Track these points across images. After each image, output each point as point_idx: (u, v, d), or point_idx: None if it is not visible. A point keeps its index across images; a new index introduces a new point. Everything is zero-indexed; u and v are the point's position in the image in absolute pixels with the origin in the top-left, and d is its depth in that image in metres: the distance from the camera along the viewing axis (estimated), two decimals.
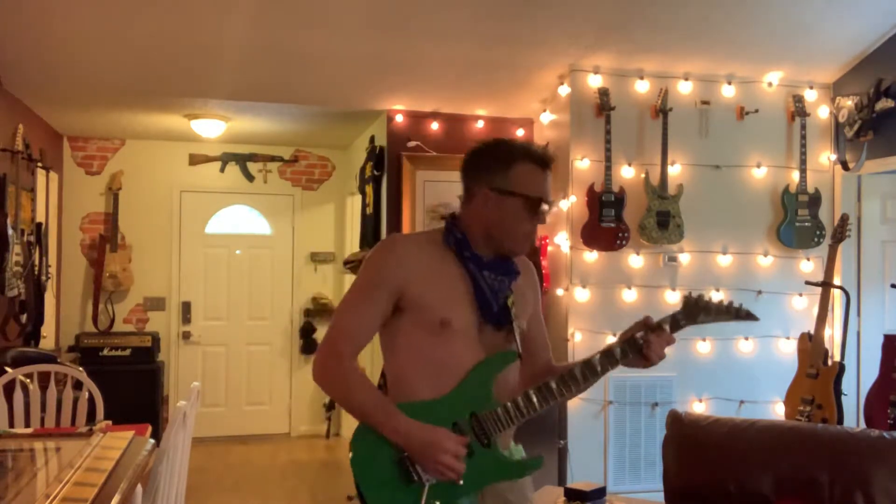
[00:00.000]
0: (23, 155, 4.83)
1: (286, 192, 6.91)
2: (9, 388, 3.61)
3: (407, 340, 1.83)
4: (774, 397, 4.55)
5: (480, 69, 4.53)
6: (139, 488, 2.44)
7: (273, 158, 6.85)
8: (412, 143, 5.01)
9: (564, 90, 4.59)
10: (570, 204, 4.46)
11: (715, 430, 2.68)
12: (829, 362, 3.99)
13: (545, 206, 1.84)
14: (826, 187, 4.73)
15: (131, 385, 5.78)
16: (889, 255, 4.71)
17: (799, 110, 4.65)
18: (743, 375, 4.59)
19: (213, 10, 3.88)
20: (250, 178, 6.80)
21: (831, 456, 2.43)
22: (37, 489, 2.27)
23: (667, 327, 1.84)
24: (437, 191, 5.04)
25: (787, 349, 4.57)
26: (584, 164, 4.45)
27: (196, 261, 6.73)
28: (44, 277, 5.19)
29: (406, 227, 5.00)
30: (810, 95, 4.75)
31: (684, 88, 4.60)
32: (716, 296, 4.54)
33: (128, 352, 6.03)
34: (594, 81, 4.49)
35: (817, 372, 3.96)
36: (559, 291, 4.57)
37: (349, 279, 6.16)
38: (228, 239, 6.87)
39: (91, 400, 3.66)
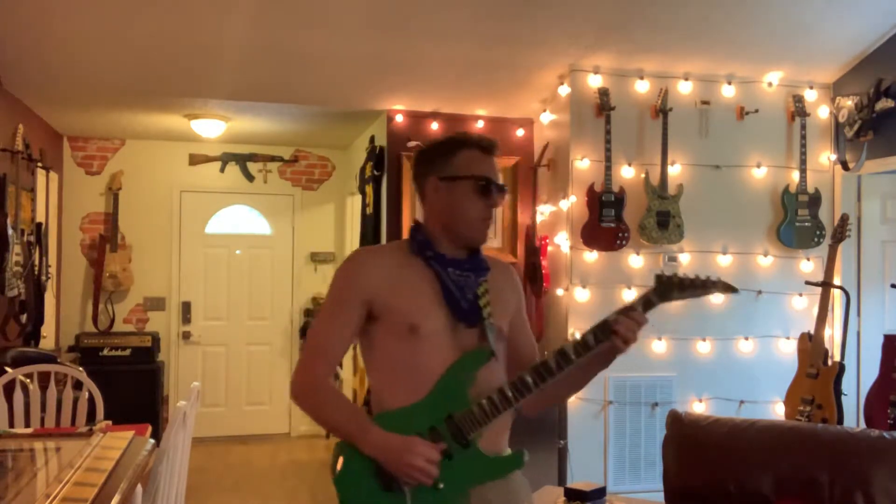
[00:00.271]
0: (23, 155, 4.83)
1: (286, 192, 6.91)
2: (9, 388, 3.61)
3: (382, 351, 1.84)
4: (774, 397, 4.55)
5: (480, 69, 4.53)
6: (139, 488, 2.45)
7: (273, 158, 6.85)
8: (412, 143, 5.01)
9: (564, 90, 4.59)
10: (570, 204, 4.46)
11: (715, 430, 2.68)
12: (829, 362, 3.99)
13: (493, 186, 1.85)
14: (826, 187, 4.73)
15: (131, 385, 5.78)
16: (889, 255, 4.70)
17: (799, 110, 4.65)
18: (743, 375, 4.59)
19: (213, 10, 3.88)
20: (250, 178, 6.80)
21: (831, 456, 2.43)
22: (37, 489, 2.27)
23: (639, 308, 1.82)
24: None
25: (787, 349, 4.57)
26: (584, 164, 4.45)
27: (196, 261, 6.73)
28: (44, 277, 5.19)
29: (406, 227, 5.01)
30: (810, 95, 4.75)
31: (684, 88, 4.60)
32: (715, 296, 4.55)
33: (128, 352, 6.03)
34: (594, 81, 4.49)
35: (817, 372, 3.97)
36: (559, 291, 4.57)
37: None
38: (228, 239, 6.87)
39: (91, 400, 3.67)
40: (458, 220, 1.85)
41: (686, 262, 4.54)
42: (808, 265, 4.69)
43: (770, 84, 4.71)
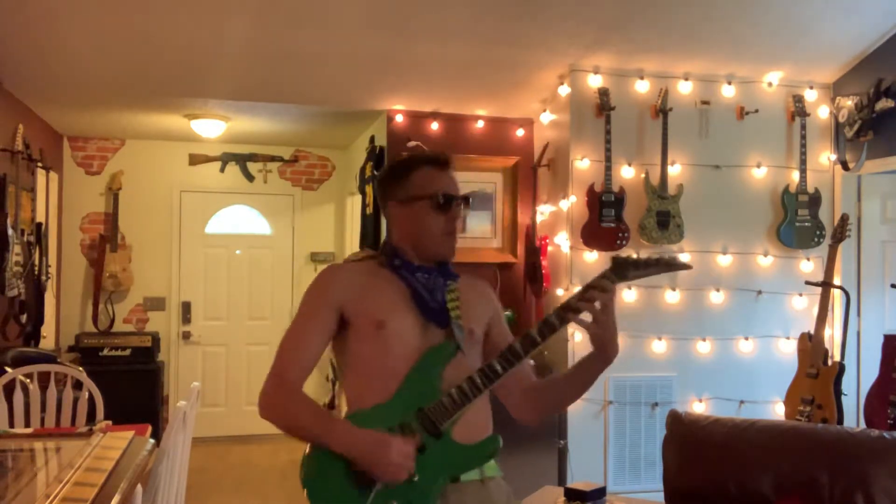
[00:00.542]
0: (23, 155, 4.83)
1: (286, 192, 6.91)
2: (9, 388, 3.61)
3: (354, 355, 1.86)
4: (774, 397, 4.55)
5: (480, 69, 4.53)
6: (139, 488, 2.44)
7: (273, 158, 6.85)
8: (412, 143, 5.01)
9: (564, 90, 4.59)
10: (570, 204, 4.46)
11: (715, 430, 2.68)
12: (829, 362, 3.99)
13: (452, 200, 1.87)
14: (826, 187, 4.73)
15: (131, 385, 5.77)
16: (889, 255, 4.70)
17: (799, 110, 4.65)
18: (743, 375, 4.59)
19: (213, 10, 3.88)
20: (250, 178, 6.80)
21: (831, 456, 2.43)
22: (37, 489, 2.27)
23: (596, 281, 1.78)
24: None
25: (787, 349, 4.57)
26: (584, 164, 4.45)
27: (196, 261, 6.73)
28: (44, 277, 5.19)
29: None
30: (810, 95, 4.75)
31: (684, 88, 4.60)
32: (715, 296, 4.56)
33: (128, 352, 6.03)
34: (594, 81, 4.49)
35: (817, 372, 3.97)
36: (559, 291, 4.57)
37: None
38: (228, 239, 6.87)
39: (91, 400, 3.67)
40: (422, 238, 1.89)
41: (686, 262, 4.53)
42: (808, 265, 4.69)
43: (770, 84, 4.71)
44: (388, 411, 1.77)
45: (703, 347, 4.55)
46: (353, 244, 6.35)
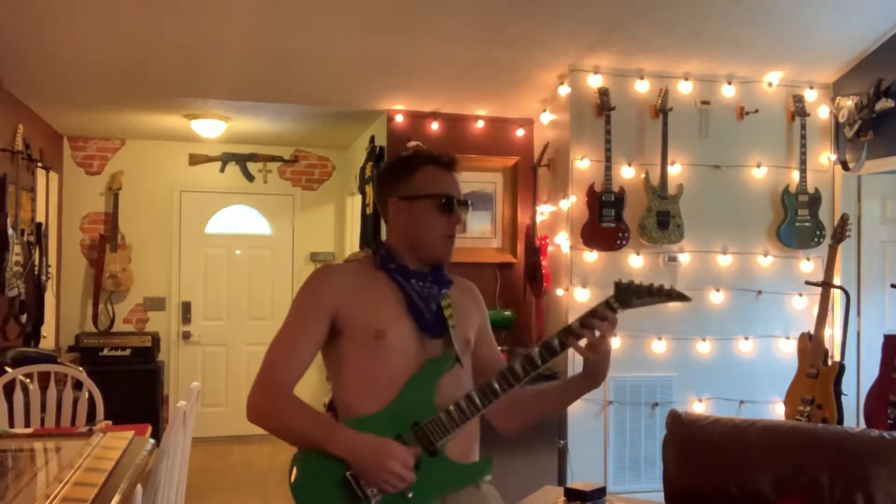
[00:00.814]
0: (23, 155, 4.83)
1: (286, 192, 6.91)
2: (9, 388, 3.61)
3: (347, 362, 1.82)
4: (774, 397, 4.55)
5: (480, 69, 4.53)
6: (139, 488, 2.44)
7: (273, 158, 6.85)
8: (412, 144, 5.00)
9: (564, 90, 4.59)
10: (570, 204, 4.46)
11: (715, 430, 2.68)
12: (829, 362, 3.99)
13: (455, 203, 1.85)
14: (826, 187, 4.73)
15: (131, 385, 5.78)
16: (889, 255, 4.70)
17: (799, 110, 4.65)
18: (743, 375, 4.59)
19: (213, 10, 3.88)
20: (250, 178, 6.80)
21: (831, 456, 2.43)
22: (37, 489, 2.27)
23: (599, 310, 1.80)
24: None
25: (787, 349, 4.57)
26: (584, 164, 4.45)
27: (196, 261, 6.73)
28: (44, 277, 5.19)
29: None
30: (810, 95, 4.75)
31: (684, 88, 4.60)
32: (715, 296, 4.56)
33: (128, 352, 6.03)
34: (594, 81, 4.49)
35: (817, 372, 3.97)
36: (559, 291, 4.57)
37: None
38: (228, 239, 6.87)
39: (91, 400, 3.66)
40: (421, 238, 1.86)
41: (686, 262, 4.54)
42: (808, 265, 4.69)
43: (770, 84, 4.71)
44: (381, 421, 1.74)
45: (703, 347, 4.55)
46: (353, 244, 6.35)
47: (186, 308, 6.67)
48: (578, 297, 4.39)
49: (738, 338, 4.61)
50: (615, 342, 4.23)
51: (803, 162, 4.63)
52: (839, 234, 4.12)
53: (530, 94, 4.85)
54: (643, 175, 4.45)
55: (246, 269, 6.87)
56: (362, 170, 5.65)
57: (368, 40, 4.20)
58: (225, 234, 6.86)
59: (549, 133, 4.87)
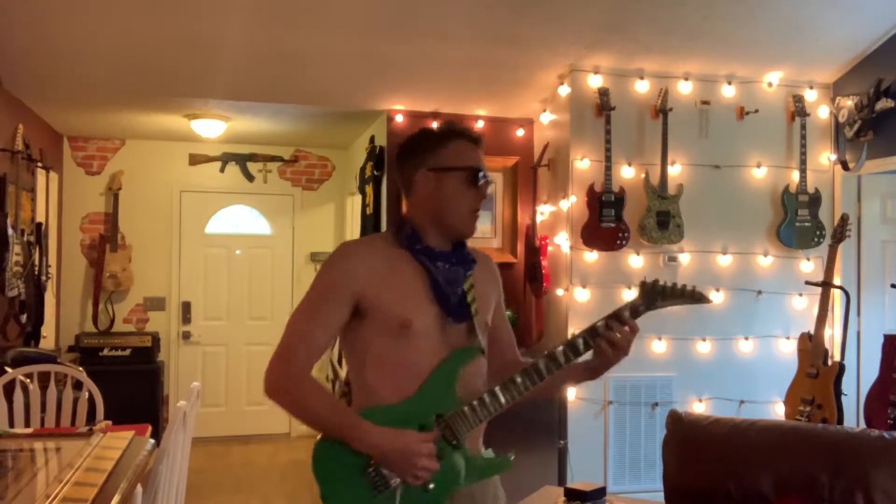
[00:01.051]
0: (23, 155, 4.83)
1: (286, 192, 6.91)
2: (9, 388, 3.61)
3: (369, 345, 1.80)
4: (774, 397, 4.55)
5: (480, 69, 4.53)
6: (139, 488, 2.44)
7: (273, 158, 6.85)
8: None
9: (564, 90, 4.59)
10: (570, 204, 4.46)
11: (715, 430, 2.68)
12: (829, 362, 3.99)
13: (484, 177, 1.84)
14: (826, 187, 4.73)
15: (131, 385, 5.77)
16: (889, 255, 4.70)
17: (799, 110, 4.65)
18: (743, 375, 4.59)
19: (213, 10, 3.88)
20: (250, 178, 6.80)
21: (831, 456, 2.43)
22: (37, 489, 2.27)
23: (626, 314, 1.81)
24: None
25: (787, 349, 4.57)
26: (584, 164, 4.45)
27: (196, 261, 6.73)
28: (44, 277, 5.19)
29: None
30: (810, 95, 4.75)
31: (684, 88, 4.59)
32: (716, 296, 4.55)
33: (128, 352, 6.03)
34: (594, 81, 4.49)
35: (817, 372, 3.97)
36: (559, 291, 4.57)
37: None
38: (228, 239, 6.87)
39: (91, 400, 3.67)
40: (448, 211, 1.83)
41: (686, 262, 4.54)
42: (808, 265, 4.69)
43: (770, 84, 4.71)
44: (404, 411, 1.74)
45: (703, 347, 4.55)
46: None
47: (186, 308, 6.67)
48: (578, 297, 4.39)
49: (738, 338, 4.61)
50: None
51: (803, 162, 4.63)
52: (839, 234, 4.11)
53: (530, 94, 4.85)
54: (643, 175, 4.45)
55: (246, 269, 6.88)
56: (362, 170, 5.65)
57: (368, 40, 4.20)
58: (225, 234, 6.86)
59: (549, 133, 4.87)
